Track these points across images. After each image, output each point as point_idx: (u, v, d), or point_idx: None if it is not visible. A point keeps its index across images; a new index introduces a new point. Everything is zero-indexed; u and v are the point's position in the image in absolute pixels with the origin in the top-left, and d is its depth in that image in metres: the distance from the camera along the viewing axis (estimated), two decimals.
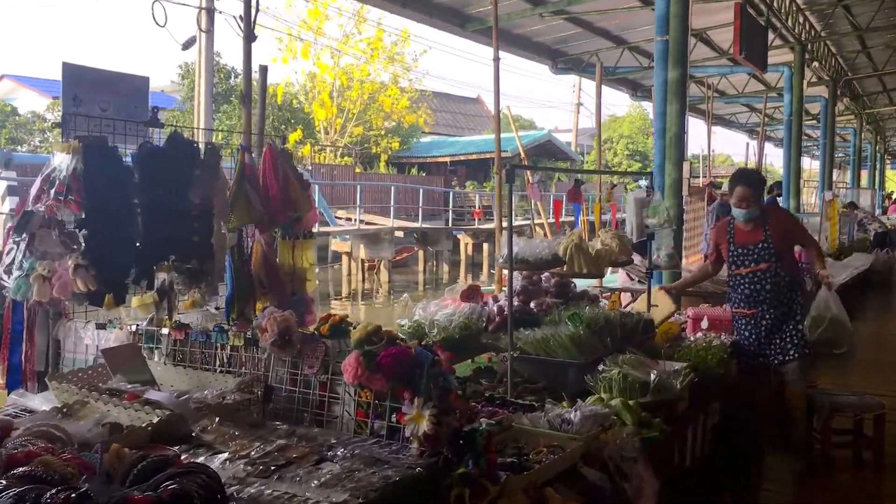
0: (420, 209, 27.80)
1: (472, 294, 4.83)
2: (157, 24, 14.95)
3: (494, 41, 7.18)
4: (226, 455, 2.29)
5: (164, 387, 2.96)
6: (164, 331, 3.16)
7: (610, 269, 10.96)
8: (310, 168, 31.78)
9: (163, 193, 3.19)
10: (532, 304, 5.62)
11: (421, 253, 27.48)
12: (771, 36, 14.16)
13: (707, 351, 5.30)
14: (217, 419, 2.52)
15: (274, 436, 2.52)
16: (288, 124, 35.63)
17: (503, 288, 6.25)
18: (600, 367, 4.64)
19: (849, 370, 8.86)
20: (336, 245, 25.53)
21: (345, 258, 25.69)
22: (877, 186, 33.12)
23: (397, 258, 27.58)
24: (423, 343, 2.62)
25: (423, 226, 26.79)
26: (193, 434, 2.48)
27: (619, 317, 5.38)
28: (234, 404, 2.67)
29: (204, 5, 17.14)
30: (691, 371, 4.87)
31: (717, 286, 8.49)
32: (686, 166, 7.59)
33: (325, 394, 2.74)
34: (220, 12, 20.76)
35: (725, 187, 13.81)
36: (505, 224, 4.90)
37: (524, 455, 3.23)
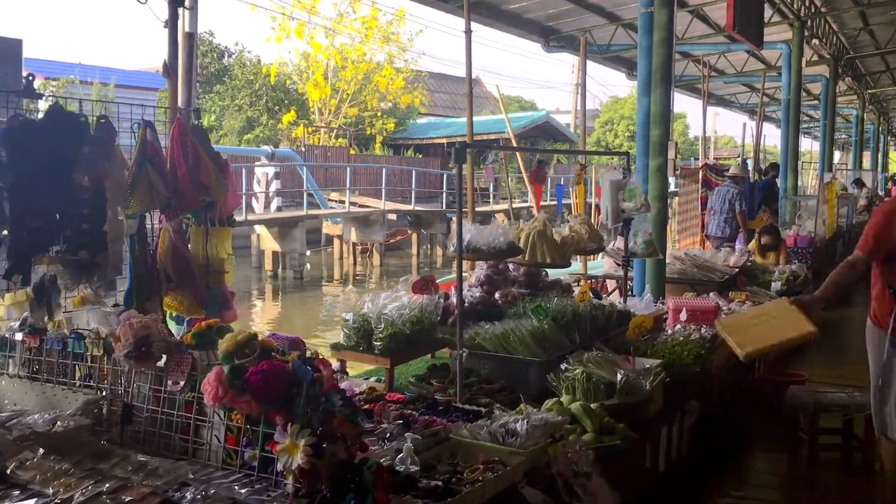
0: (413, 191, 27.33)
1: (424, 286, 4.42)
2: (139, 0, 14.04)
3: (466, 12, 6.72)
4: (40, 501, 1.88)
5: (6, 406, 2.55)
6: (18, 336, 2.75)
7: (599, 255, 10.54)
8: (303, 149, 31.34)
9: (38, 174, 2.77)
10: (497, 295, 5.22)
11: (414, 236, 27.06)
12: (769, 12, 13.64)
13: (684, 347, 4.89)
14: (41, 451, 2.10)
15: (119, 469, 2.11)
16: (281, 105, 35.11)
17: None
18: (563, 366, 4.25)
19: (841, 362, 8.45)
20: (327, 228, 25.11)
21: (336, 241, 25.28)
22: (879, 168, 32.60)
23: (390, 241, 27.15)
24: (305, 356, 2.20)
25: (417, 208, 26.34)
26: (8, 471, 2.05)
27: (590, 309, 4.97)
28: (66, 432, 2.24)
29: None
30: (664, 369, 4.48)
31: (704, 272, 8.08)
32: (672, 147, 7.15)
33: (191, 416, 2.33)
34: None
35: (734, 169, 13.36)
36: (465, 208, 4.46)
37: (458, 473, 2.83)
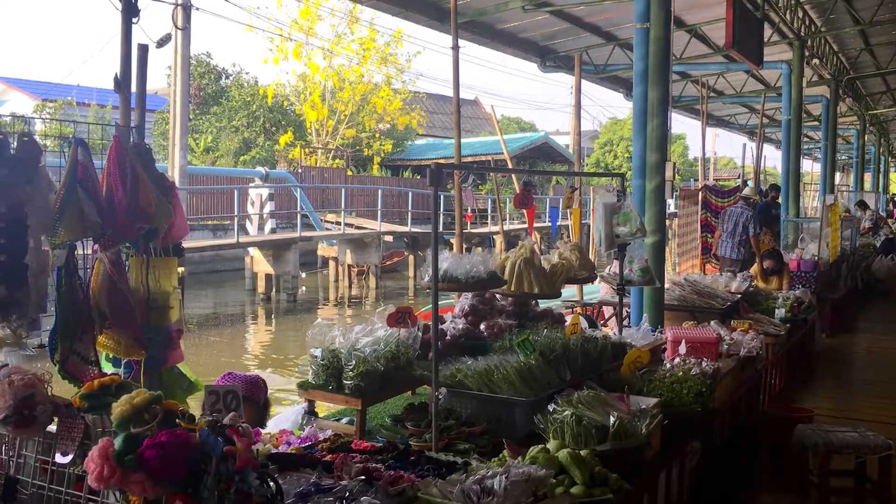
0: (409, 213, 27.01)
1: (401, 318, 4.06)
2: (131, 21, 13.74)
3: (453, 28, 6.42)
4: None
5: None
6: None
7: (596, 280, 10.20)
8: (300, 170, 31.09)
9: None
10: (482, 327, 4.85)
11: (411, 258, 26.71)
12: (768, 31, 13.38)
13: (683, 383, 4.52)
14: None
15: None
16: (279, 126, 34.93)
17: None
18: (551, 407, 3.88)
19: (852, 393, 8.08)
20: (322, 250, 24.79)
21: (332, 263, 24.93)
22: (881, 190, 32.32)
23: (387, 263, 26.81)
24: (215, 423, 1.83)
25: (413, 230, 26.01)
26: None
27: (581, 342, 4.60)
28: None
29: (179, 2, 16.40)
30: (662, 410, 4.11)
31: (704, 299, 7.72)
32: (669, 167, 6.81)
33: (80, 494, 1.96)
34: (197, 9, 20.11)
35: (747, 191, 13.08)
36: (449, 230, 4.12)
37: None
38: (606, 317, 8.39)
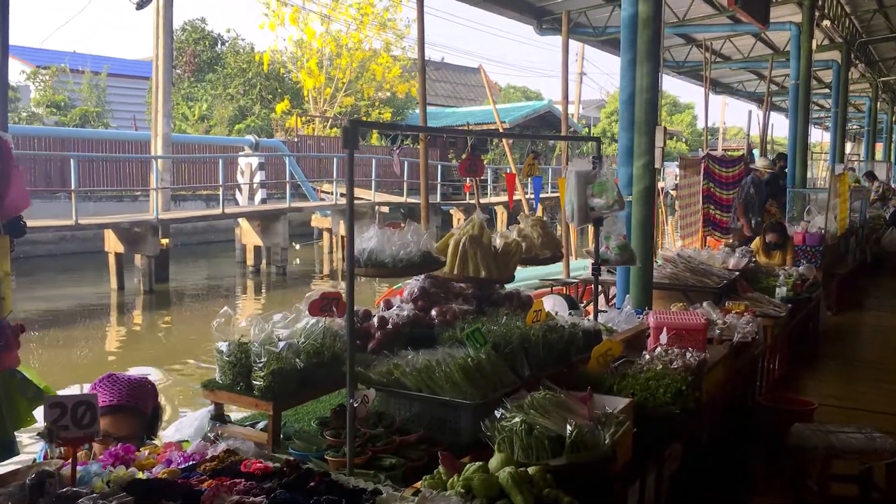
0: (404, 183, 26.33)
1: (326, 305, 3.44)
2: None
3: None
4: None
5: None
6: None
7: (579, 256, 9.55)
8: (296, 139, 30.39)
9: None
10: (433, 313, 4.22)
11: None
12: None
13: (660, 380, 3.89)
14: None
15: None
16: (275, 94, 34.16)
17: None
18: (498, 413, 3.27)
19: (859, 379, 7.45)
20: (316, 221, 24.18)
21: (326, 234, 24.33)
22: (892, 160, 31.42)
23: None
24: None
25: (410, 200, 25.35)
26: None
27: (543, 333, 3.98)
28: None
29: None
30: (630, 416, 3.50)
31: (698, 277, 7.08)
32: (659, 133, 6.14)
33: None
34: None
35: (759, 162, 12.46)
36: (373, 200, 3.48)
37: None
38: (590, 298, 7.76)
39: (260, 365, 3.28)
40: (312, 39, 33.81)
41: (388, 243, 3.39)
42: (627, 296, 5.81)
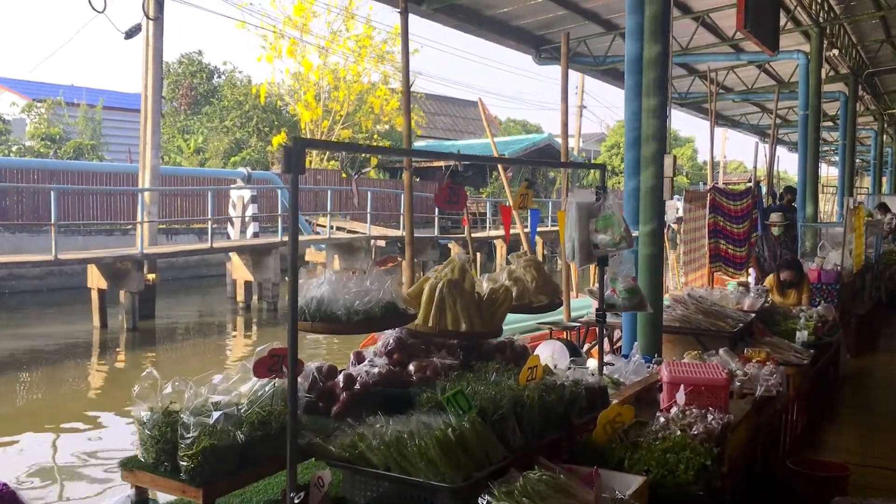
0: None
1: (276, 365, 2.82)
2: (95, 9, 12.31)
3: None
4: None
5: None
6: None
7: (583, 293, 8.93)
8: None
9: None
10: (411, 368, 3.60)
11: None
12: (782, 19, 12.14)
13: (679, 452, 3.26)
14: None
15: None
16: (272, 127, 33.78)
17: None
18: (482, 501, 2.65)
19: (884, 428, 6.80)
20: (310, 255, 23.56)
21: (320, 269, 23.67)
22: None
23: (381, 268, 25.58)
24: None
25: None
26: None
27: (539, 394, 3.36)
28: None
29: None
30: (649, 493, 2.87)
31: (712, 321, 6.46)
32: (669, 161, 5.57)
33: None
34: None
35: (773, 217, 11.81)
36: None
37: None
38: (595, 341, 7.13)
39: (188, 441, 2.65)
40: (310, 72, 33.51)
41: (343, 291, 2.79)
42: (636, 343, 5.19)
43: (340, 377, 3.39)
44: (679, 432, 3.58)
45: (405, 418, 3.10)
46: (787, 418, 5.62)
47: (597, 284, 6.73)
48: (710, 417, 3.82)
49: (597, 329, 4.60)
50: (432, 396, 3.29)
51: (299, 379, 3.25)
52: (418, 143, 40.77)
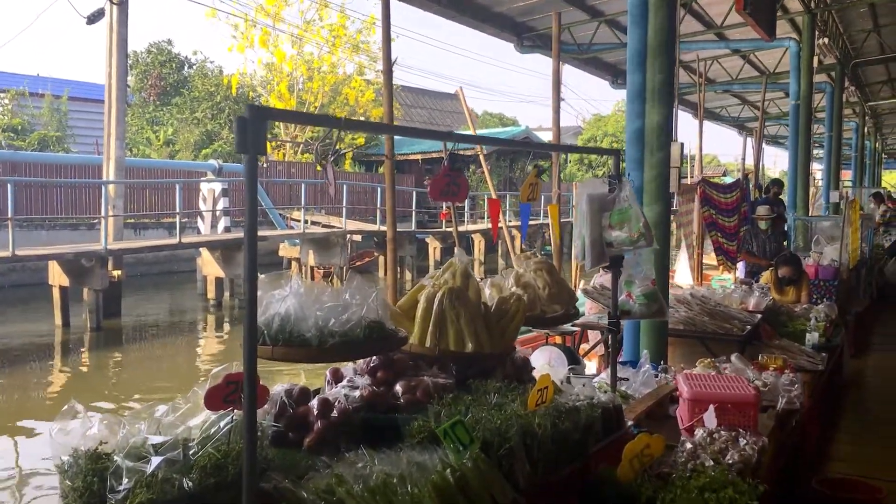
0: (378, 210, 25.21)
1: (233, 394, 2.27)
2: None
3: None
4: None
5: None
6: None
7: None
8: (265, 165, 29.20)
9: None
10: (398, 389, 3.06)
11: (381, 258, 24.89)
12: None
13: (720, 491, 2.74)
14: None
15: None
16: None
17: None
18: None
19: (870, 434, 6.36)
20: (284, 250, 22.90)
21: (294, 265, 23.06)
22: (875, 187, 30.85)
23: (357, 263, 24.99)
24: None
25: (382, 228, 24.16)
26: None
27: (552, 421, 2.83)
28: None
29: None
30: None
31: (718, 322, 5.98)
32: (676, 150, 5.07)
33: None
34: None
35: (760, 210, 11.36)
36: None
37: None
38: (591, 344, 6.64)
39: (119, 495, 2.09)
40: (283, 62, 32.73)
41: (314, 306, 2.23)
42: (645, 352, 4.68)
43: (315, 402, 2.84)
44: (711, 461, 3.07)
45: (393, 454, 2.57)
46: (805, 431, 5.15)
47: (593, 283, 6.23)
48: (742, 442, 3.32)
49: (607, 338, 4.08)
50: (424, 425, 2.75)
51: (265, 406, 2.71)
52: (395, 136, 40.09)
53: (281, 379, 3.21)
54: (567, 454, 2.88)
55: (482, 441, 2.60)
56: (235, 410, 2.38)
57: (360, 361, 3.18)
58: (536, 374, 4.18)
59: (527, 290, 3.15)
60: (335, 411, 2.81)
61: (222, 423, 2.35)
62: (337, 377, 3.18)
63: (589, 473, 2.99)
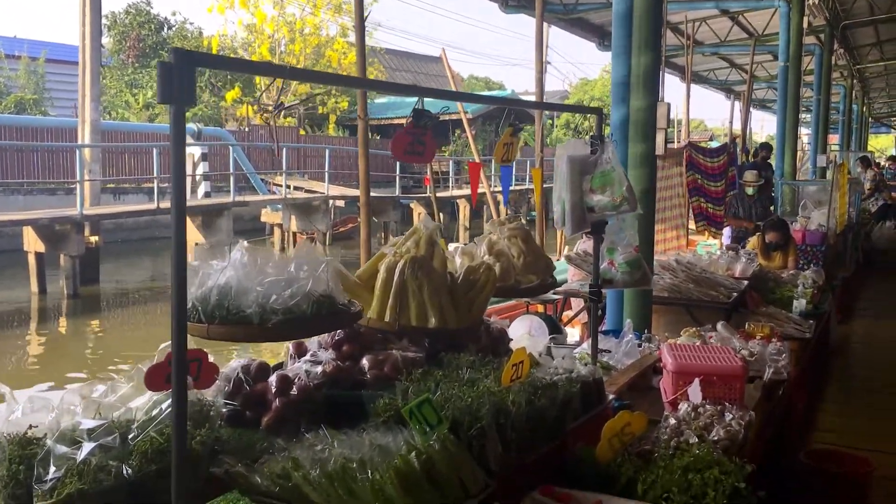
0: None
1: (173, 375, 2.07)
2: None
3: None
4: None
5: None
6: None
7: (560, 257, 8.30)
8: (247, 129, 28.76)
9: None
10: (365, 363, 2.87)
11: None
12: None
13: (704, 471, 2.58)
14: None
15: None
16: (225, 81, 32.36)
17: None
18: None
19: (857, 401, 6.25)
20: (266, 216, 22.61)
21: (277, 231, 22.79)
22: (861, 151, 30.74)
23: (340, 229, 24.75)
24: None
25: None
26: None
27: (528, 398, 2.65)
28: None
29: None
30: None
31: (704, 289, 5.83)
32: (662, 110, 4.85)
33: None
34: None
35: (748, 175, 11.11)
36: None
37: None
38: (575, 311, 6.47)
39: (47, 485, 1.90)
40: (264, 23, 32.10)
41: (257, 279, 2.01)
42: (628, 322, 4.51)
43: (273, 378, 2.64)
44: (695, 438, 2.91)
45: (355, 435, 2.38)
46: (792, 401, 5.02)
47: (576, 250, 6.04)
48: (728, 416, 3.16)
49: (588, 308, 3.90)
50: (391, 403, 2.57)
51: (218, 382, 2.51)
52: (379, 100, 39.62)
53: (241, 354, 3.01)
54: (543, 433, 2.71)
55: (452, 420, 2.41)
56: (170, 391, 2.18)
57: (325, 334, 2.99)
58: (515, 345, 4.02)
59: (500, 259, 2.94)
60: (295, 388, 2.62)
61: (164, 406, 2.15)
62: (300, 351, 2.98)
63: (567, 452, 2.82)
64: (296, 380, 2.65)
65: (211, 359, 2.35)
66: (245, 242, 2.32)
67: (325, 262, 2.17)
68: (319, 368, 2.71)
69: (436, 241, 2.61)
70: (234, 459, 2.34)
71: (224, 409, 2.54)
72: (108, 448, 2.00)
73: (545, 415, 2.70)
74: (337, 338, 2.94)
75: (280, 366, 3.00)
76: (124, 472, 2.02)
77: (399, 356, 2.88)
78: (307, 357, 2.88)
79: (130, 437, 2.08)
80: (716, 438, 2.92)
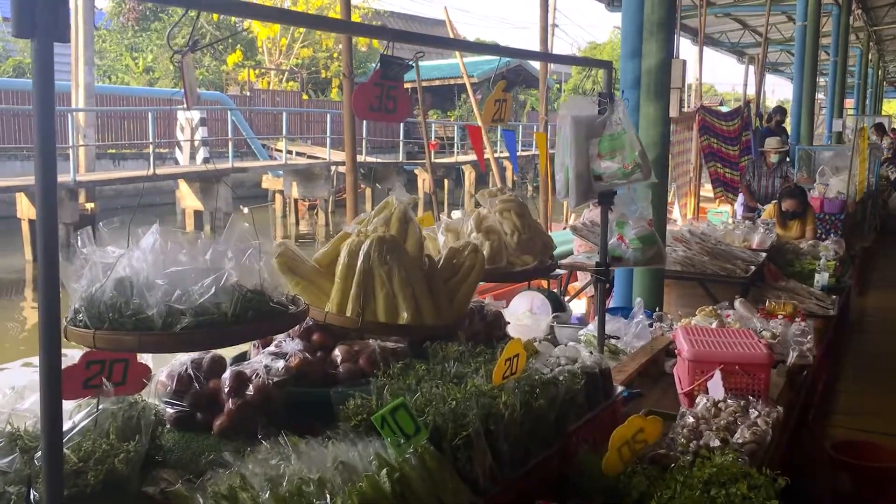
0: (364, 140, 24.39)
1: (94, 378, 1.70)
2: None
3: None
4: None
5: None
6: None
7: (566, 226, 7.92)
8: (249, 94, 28.24)
9: None
10: (337, 355, 2.50)
11: (368, 191, 24.19)
12: None
13: (730, 485, 2.21)
14: None
15: None
16: (227, 45, 31.75)
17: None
18: None
19: (881, 382, 5.86)
20: (267, 182, 22.19)
21: (278, 197, 22.39)
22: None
23: (342, 196, 24.33)
24: None
25: (369, 160, 23.43)
26: None
27: (523, 398, 2.28)
28: None
29: None
30: None
31: (720, 263, 5.43)
32: (678, 66, 4.42)
33: None
34: None
35: (769, 142, 10.53)
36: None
37: None
38: (580, 286, 6.09)
39: None
40: None
41: (163, 270, 1.62)
42: (639, 300, 4.12)
43: (227, 375, 2.27)
44: (717, 440, 2.53)
45: (317, 446, 2.02)
46: (814, 384, 4.65)
47: (583, 220, 5.63)
48: (753, 413, 2.79)
49: (593, 286, 3.52)
50: (363, 405, 2.20)
51: (162, 378, 2.15)
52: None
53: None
54: (541, 438, 2.34)
55: (433, 428, 2.04)
56: (103, 396, 1.81)
57: None
58: (514, 324, 3.64)
59: (490, 237, 2.54)
60: (251, 387, 2.25)
61: (78, 417, 1.77)
62: (266, 341, 2.61)
63: (569, 457, 2.45)
64: (253, 377, 2.27)
65: (143, 359, 1.99)
66: (246, 209, 1.96)
67: (253, 247, 1.77)
68: (282, 363, 2.33)
69: (410, 218, 2.20)
70: (175, 474, 1.98)
71: (169, 413, 2.19)
72: (16, 467, 1.64)
73: (544, 418, 2.33)
74: (303, 327, 2.56)
75: (243, 357, 2.64)
76: (31, 496, 1.66)
77: (377, 347, 2.50)
78: (270, 348, 2.50)
79: (36, 456, 1.71)
80: (741, 441, 2.54)
